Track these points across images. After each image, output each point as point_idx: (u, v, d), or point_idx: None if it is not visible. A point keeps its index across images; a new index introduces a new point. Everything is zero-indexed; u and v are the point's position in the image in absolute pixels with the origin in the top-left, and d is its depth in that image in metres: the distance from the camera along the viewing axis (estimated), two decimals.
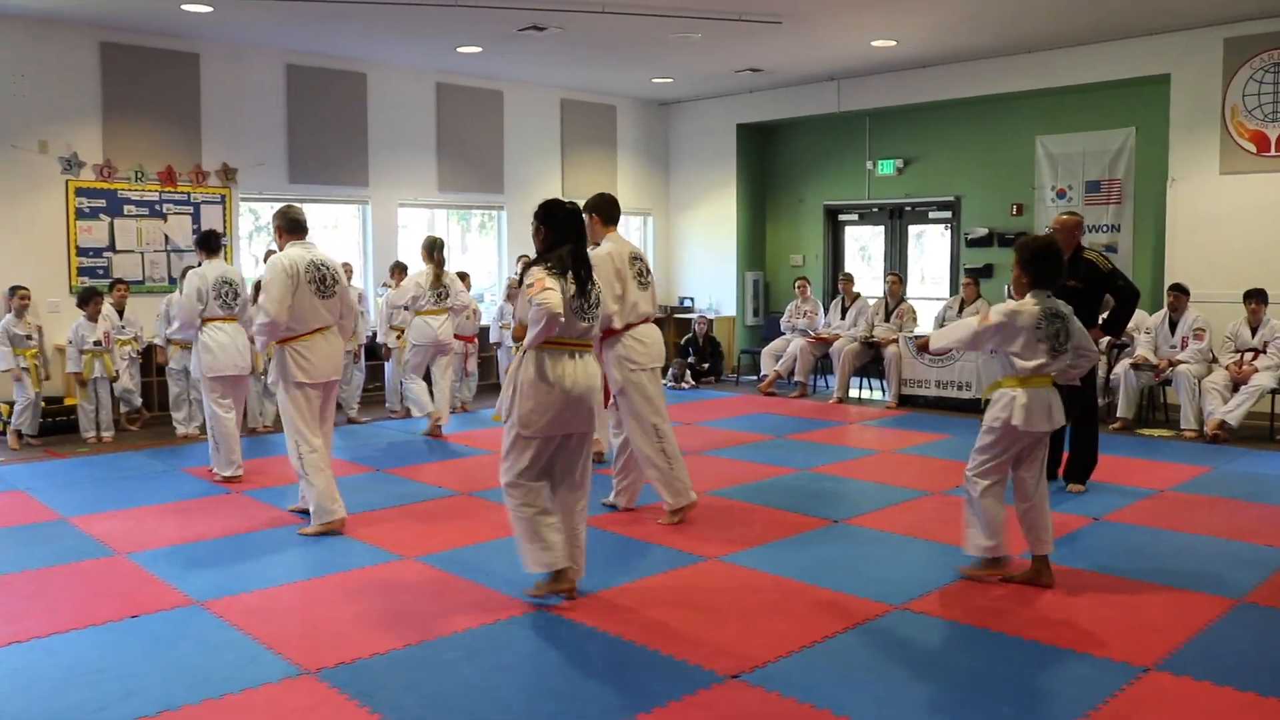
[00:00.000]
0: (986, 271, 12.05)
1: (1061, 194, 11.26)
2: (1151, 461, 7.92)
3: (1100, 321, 6.86)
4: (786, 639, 4.24)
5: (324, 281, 6.06)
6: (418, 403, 9.39)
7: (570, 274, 4.59)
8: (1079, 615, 4.54)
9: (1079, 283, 6.50)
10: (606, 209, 6.10)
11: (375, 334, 10.61)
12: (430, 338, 9.13)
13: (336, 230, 12.15)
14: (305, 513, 6.30)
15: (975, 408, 4.83)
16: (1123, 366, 9.46)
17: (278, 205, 6.44)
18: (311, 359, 6.01)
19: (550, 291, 4.41)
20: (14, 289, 8.89)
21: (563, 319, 4.45)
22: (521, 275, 4.70)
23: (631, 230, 14.73)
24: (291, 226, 6.19)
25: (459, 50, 11.03)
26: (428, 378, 9.49)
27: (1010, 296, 5.07)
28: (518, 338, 4.71)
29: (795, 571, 5.17)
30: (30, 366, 8.73)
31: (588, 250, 4.85)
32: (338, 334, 6.23)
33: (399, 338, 9.95)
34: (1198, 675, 3.87)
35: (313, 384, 6.03)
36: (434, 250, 9.21)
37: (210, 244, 7.71)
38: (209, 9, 9.16)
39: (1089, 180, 11.08)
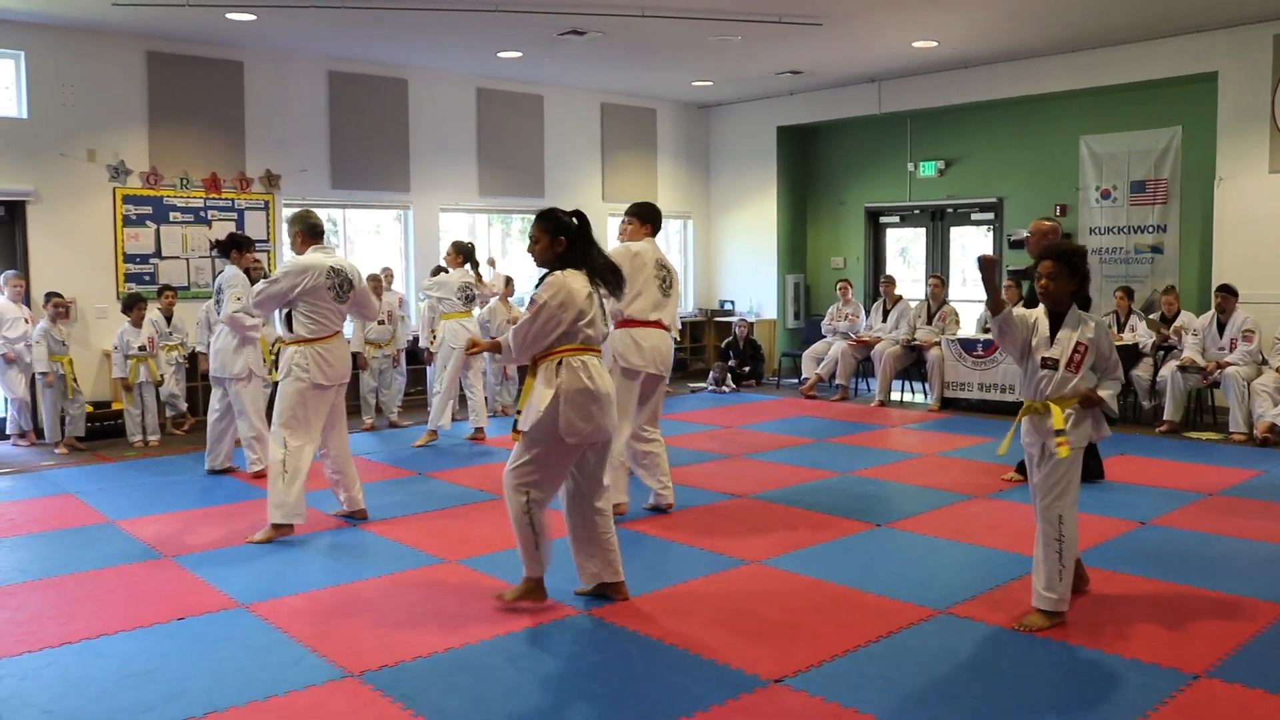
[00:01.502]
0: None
1: (1106, 194, 11.13)
2: (1200, 465, 7.80)
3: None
4: (830, 643, 4.22)
5: (342, 287, 6.13)
6: (435, 411, 9.25)
7: (597, 280, 4.62)
8: (1127, 621, 4.47)
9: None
10: (647, 213, 6.38)
11: (416, 338, 10.66)
12: (464, 339, 9.12)
13: (379, 235, 12.25)
14: (350, 516, 6.35)
15: (1019, 411, 4.72)
16: (1170, 369, 9.32)
17: (322, 211, 6.48)
18: (332, 361, 6.10)
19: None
20: (49, 295, 9.04)
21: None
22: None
23: (671, 233, 14.73)
24: (311, 232, 6.18)
25: (499, 55, 11.08)
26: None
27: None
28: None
29: (838, 575, 5.14)
30: (66, 374, 8.89)
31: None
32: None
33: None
34: (1250, 683, 3.79)
35: (329, 385, 6.13)
36: (470, 255, 9.25)
37: (225, 250, 7.79)
38: (252, 17, 9.27)
39: (1134, 180, 10.95)
